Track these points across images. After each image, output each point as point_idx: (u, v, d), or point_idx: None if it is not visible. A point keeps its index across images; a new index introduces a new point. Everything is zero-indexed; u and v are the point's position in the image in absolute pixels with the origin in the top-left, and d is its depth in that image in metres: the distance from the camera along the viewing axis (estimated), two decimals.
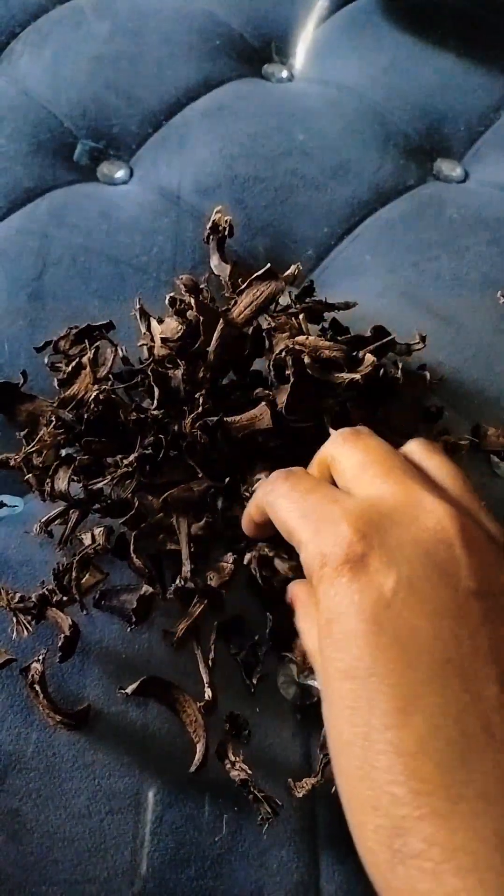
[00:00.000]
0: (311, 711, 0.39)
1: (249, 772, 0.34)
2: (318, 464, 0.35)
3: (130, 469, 0.40)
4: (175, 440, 0.42)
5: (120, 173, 0.57)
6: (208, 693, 0.37)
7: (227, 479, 0.41)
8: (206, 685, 0.37)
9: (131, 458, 0.41)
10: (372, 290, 0.51)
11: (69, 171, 0.56)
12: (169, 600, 0.39)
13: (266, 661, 0.39)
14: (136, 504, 0.40)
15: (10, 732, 0.37)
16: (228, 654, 0.39)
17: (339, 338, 0.45)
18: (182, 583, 0.38)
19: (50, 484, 0.40)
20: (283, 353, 0.41)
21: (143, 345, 0.45)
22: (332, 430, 0.36)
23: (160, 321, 0.45)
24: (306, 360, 0.41)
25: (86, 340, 0.45)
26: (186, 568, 0.38)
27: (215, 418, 0.40)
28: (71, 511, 0.41)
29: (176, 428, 0.42)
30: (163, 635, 0.39)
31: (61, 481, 0.40)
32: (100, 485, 0.40)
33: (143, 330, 0.45)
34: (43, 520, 0.40)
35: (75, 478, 0.40)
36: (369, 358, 0.41)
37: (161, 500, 0.39)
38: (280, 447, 0.42)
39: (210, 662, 0.38)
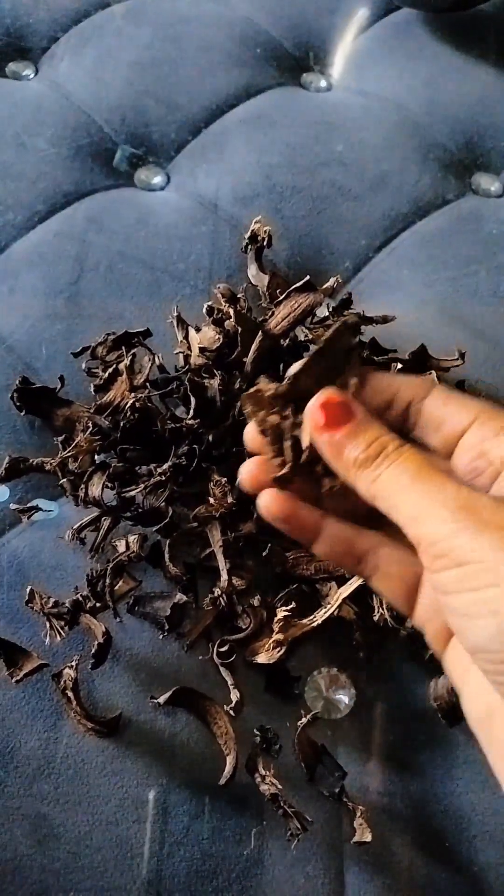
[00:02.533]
0: (340, 726, 0.39)
1: (280, 787, 0.34)
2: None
3: (164, 478, 0.40)
4: (209, 450, 0.42)
5: (157, 179, 0.57)
6: (235, 694, 0.37)
7: None
8: (232, 686, 0.37)
9: (165, 466, 0.41)
10: (409, 304, 0.50)
11: (107, 176, 0.57)
12: (200, 608, 0.39)
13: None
14: (170, 513, 0.40)
15: (40, 737, 0.37)
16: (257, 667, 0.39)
17: (376, 358, 0.45)
18: (220, 594, 0.38)
19: (84, 490, 0.40)
20: None
21: (180, 352, 0.45)
22: None
23: (197, 329, 0.45)
24: None
25: (123, 347, 0.45)
26: (224, 578, 0.38)
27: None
28: (103, 518, 0.41)
29: (210, 438, 0.42)
30: (177, 636, 0.39)
31: (95, 488, 0.40)
32: (133, 493, 0.40)
33: (181, 338, 0.45)
34: (75, 526, 0.40)
35: (109, 485, 0.41)
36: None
37: (192, 515, 0.39)
38: None
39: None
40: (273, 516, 0.29)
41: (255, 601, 0.39)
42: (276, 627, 0.38)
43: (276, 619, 0.38)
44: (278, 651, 0.37)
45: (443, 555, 0.24)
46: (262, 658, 0.38)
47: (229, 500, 0.39)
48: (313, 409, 0.27)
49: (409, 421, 0.29)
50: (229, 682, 0.37)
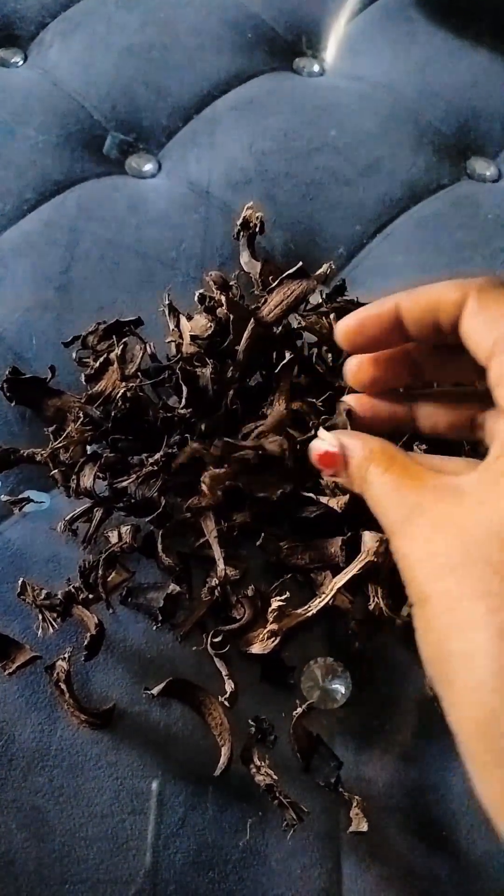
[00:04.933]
0: (336, 716, 0.38)
1: (275, 777, 0.34)
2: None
3: (156, 468, 0.40)
4: (201, 439, 0.41)
5: (148, 166, 0.57)
6: (229, 684, 0.36)
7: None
8: (226, 676, 0.37)
9: (156, 456, 0.40)
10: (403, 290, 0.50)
11: (98, 164, 0.56)
12: (194, 599, 0.39)
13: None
14: (163, 503, 0.39)
15: (34, 730, 0.37)
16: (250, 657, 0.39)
17: None
18: (216, 583, 0.38)
19: (76, 481, 0.40)
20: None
21: (172, 341, 0.45)
22: None
23: (189, 318, 0.44)
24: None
25: (114, 336, 0.45)
26: (221, 568, 0.38)
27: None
28: (95, 509, 0.40)
29: (203, 427, 0.41)
30: (170, 627, 0.39)
31: (87, 478, 0.40)
32: (125, 483, 0.40)
33: (172, 326, 0.45)
34: (67, 518, 0.40)
35: (101, 475, 0.40)
36: None
37: (185, 507, 0.39)
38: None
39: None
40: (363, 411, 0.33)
41: (250, 591, 0.39)
42: (270, 617, 0.37)
43: (270, 609, 0.37)
44: (273, 641, 0.37)
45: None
46: (256, 648, 0.37)
47: (218, 493, 0.39)
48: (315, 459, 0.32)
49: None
50: (224, 673, 0.37)
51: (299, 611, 0.38)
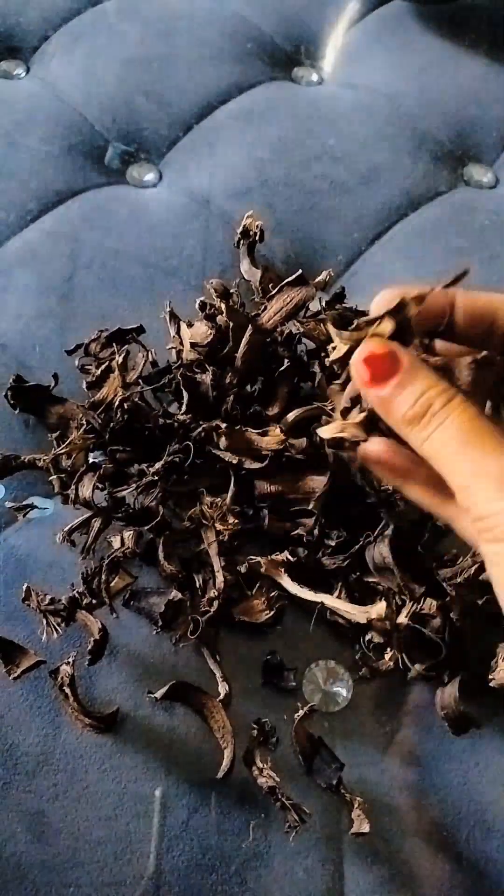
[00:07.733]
0: (337, 718, 0.39)
1: (277, 779, 0.35)
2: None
3: (156, 477, 0.40)
4: (202, 446, 0.42)
5: (149, 176, 0.57)
6: (224, 687, 0.37)
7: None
8: (220, 679, 0.37)
9: (157, 466, 0.41)
10: None
11: (100, 174, 0.57)
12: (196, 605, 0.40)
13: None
14: (161, 512, 0.40)
15: (38, 734, 0.37)
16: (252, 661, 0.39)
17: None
18: (216, 594, 0.38)
19: (74, 490, 0.40)
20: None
21: (172, 348, 0.45)
22: None
23: (190, 325, 0.45)
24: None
25: (116, 344, 0.45)
26: (220, 578, 0.38)
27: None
28: (94, 520, 0.41)
29: (202, 433, 0.42)
30: (170, 632, 0.39)
31: (86, 488, 0.40)
32: (124, 493, 0.40)
33: (173, 333, 0.45)
34: (66, 529, 0.40)
35: (99, 485, 0.40)
36: None
37: (187, 517, 0.40)
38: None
39: (217, 657, 0.38)
40: (370, 458, 0.28)
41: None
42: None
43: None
44: (265, 614, 0.38)
45: (488, 529, 0.23)
46: (247, 616, 0.39)
47: (230, 520, 0.39)
48: (357, 364, 0.25)
49: None
50: (217, 675, 0.37)
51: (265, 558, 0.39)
